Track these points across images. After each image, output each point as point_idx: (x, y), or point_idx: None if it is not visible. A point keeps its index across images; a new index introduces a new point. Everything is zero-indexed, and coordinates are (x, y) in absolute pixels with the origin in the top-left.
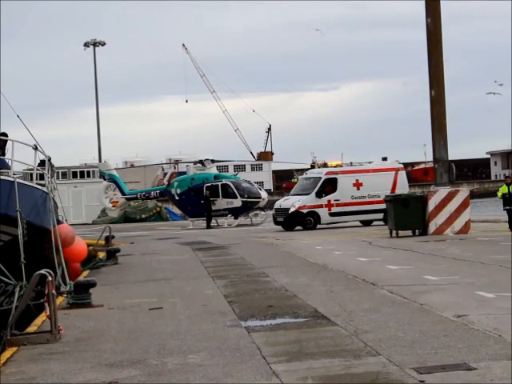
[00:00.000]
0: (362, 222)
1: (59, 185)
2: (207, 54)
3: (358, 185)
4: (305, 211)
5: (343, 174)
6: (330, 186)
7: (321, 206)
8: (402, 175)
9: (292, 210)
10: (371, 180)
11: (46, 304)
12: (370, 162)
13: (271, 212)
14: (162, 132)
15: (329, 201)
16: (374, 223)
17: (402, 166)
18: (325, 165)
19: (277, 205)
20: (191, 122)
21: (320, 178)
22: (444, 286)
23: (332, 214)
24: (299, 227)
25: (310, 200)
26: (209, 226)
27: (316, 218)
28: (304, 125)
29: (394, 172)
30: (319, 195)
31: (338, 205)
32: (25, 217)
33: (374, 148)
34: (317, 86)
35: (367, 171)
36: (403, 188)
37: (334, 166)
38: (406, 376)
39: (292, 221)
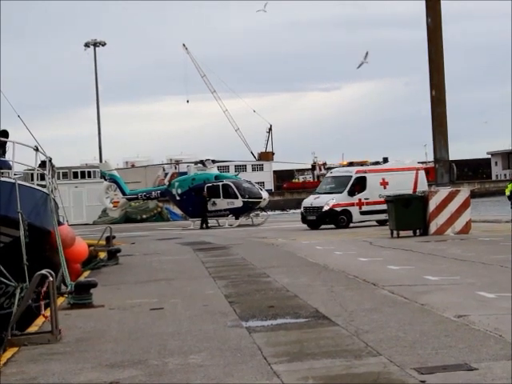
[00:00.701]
0: (378, 221)
1: (60, 185)
2: (208, 54)
3: (384, 184)
4: (338, 209)
5: (371, 172)
6: (359, 184)
7: (352, 205)
8: (422, 174)
9: (326, 208)
10: (396, 179)
11: (42, 303)
12: (380, 162)
13: (296, 212)
14: (162, 132)
15: (359, 199)
16: (373, 223)
17: (421, 165)
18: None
19: (306, 203)
20: (192, 122)
21: (351, 176)
22: (445, 286)
23: (362, 213)
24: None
25: (342, 198)
26: (205, 227)
27: (348, 216)
28: (305, 125)
29: (415, 171)
30: (351, 194)
31: (367, 203)
32: (26, 218)
33: (375, 148)
34: (319, 85)
35: (392, 170)
36: (423, 187)
37: (361, 165)
38: (407, 376)
39: (325, 219)
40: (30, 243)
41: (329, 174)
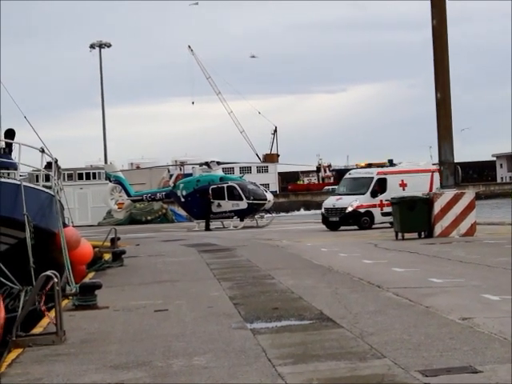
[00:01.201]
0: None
1: (65, 186)
2: (213, 56)
3: (403, 185)
4: (362, 211)
5: (391, 174)
6: (380, 186)
7: (374, 206)
8: (436, 176)
9: (350, 209)
10: (413, 181)
11: (42, 301)
12: (395, 163)
13: (319, 212)
14: (167, 134)
15: (381, 201)
16: (379, 226)
17: (436, 167)
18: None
19: (328, 204)
20: (197, 124)
21: (372, 177)
22: (449, 288)
23: (384, 214)
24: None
25: (365, 200)
26: (208, 228)
27: (371, 217)
28: (310, 127)
29: (430, 173)
30: (373, 195)
31: (388, 205)
32: (31, 220)
33: (380, 150)
34: (324, 87)
35: (410, 172)
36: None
37: (381, 166)
38: (412, 379)
39: (349, 220)
40: (35, 245)
41: (348, 176)
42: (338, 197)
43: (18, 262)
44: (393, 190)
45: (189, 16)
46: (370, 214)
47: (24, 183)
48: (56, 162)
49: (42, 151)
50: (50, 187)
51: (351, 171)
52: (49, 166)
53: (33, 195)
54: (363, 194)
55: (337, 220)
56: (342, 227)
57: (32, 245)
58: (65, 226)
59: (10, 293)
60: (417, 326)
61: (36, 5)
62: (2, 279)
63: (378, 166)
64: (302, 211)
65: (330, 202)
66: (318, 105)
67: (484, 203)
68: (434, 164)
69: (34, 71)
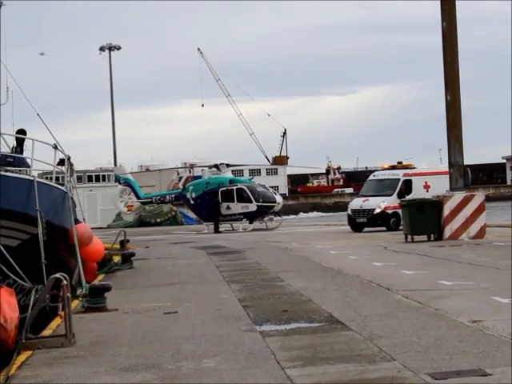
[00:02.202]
0: None
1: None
2: (222, 58)
3: (426, 187)
4: (390, 212)
5: (415, 176)
6: (405, 187)
7: (390, 208)
8: None
9: (378, 210)
10: (435, 183)
11: (60, 305)
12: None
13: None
14: (177, 136)
15: None
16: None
17: None
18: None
19: (355, 206)
20: (207, 126)
21: (398, 179)
22: (459, 291)
23: None
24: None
25: (393, 201)
26: (217, 231)
27: (398, 218)
28: (319, 129)
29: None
30: (400, 196)
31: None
32: (44, 216)
33: (390, 152)
34: (334, 89)
35: (432, 174)
36: None
37: (405, 168)
38: (421, 381)
39: (377, 221)
40: (47, 241)
41: (373, 178)
42: (365, 198)
43: (30, 257)
44: (417, 192)
45: (199, 18)
46: (397, 215)
47: (37, 179)
48: (69, 159)
49: (55, 147)
50: (62, 184)
51: (375, 173)
52: (61, 163)
53: (46, 191)
54: (390, 195)
55: (364, 221)
56: (368, 228)
57: (44, 241)
58: (77, 222)
59: (21, 289)
60: (426, 329)
61: (45, 6)
62: (13, 276)
63: (401, 168)
64: (309, 213)
65: (357, 203)
66: (327, 107)
67: (493, 205)
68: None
69: (44, 74)
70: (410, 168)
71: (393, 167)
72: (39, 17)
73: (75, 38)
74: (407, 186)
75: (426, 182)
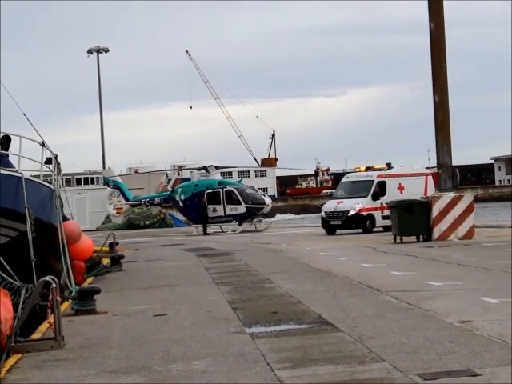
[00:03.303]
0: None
1: (62, 191)
2: (211, 60)
3: (400, 188)
4: (364, 214)
5: (389, 177)
6: (380, 189)
7: (376, 209)
8: (431, 180)
9: (352, 212)
10: (409, 184)
11: (49, 310)
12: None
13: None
14: (166, 138)
15: (381, 204)
16: (379, 229)
17: (429, 171)
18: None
19: (329, 208)
20: (195, 129)
21: (372, 181)
22: (448, 291)
23: (384, 217)
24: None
25: (367, 203)
26: (205, 233)
27: (372, 220)
28: (308, 131)
29: (424, 177)
30: (374, 198)
31: (388, 208)
32: (32, 213)
33: (378, 153)
34: (324, 91)
35: (406, 175)
36: (432, 193)
37: (379, 169)
38: (411, 382)
39: (351, 223)
40: (36, 238)
41: (346, 179)
42: (339, 200)
43: (19, 255)
44: (391, 194)
45: (187, 20)
46: (371, 217)
47: (25, 176)
48: (56, 157)
49: (43, 145)
50: (50, 182)
51: (349, 175)
52: (49, 162)
53: (34, 188)
54: (364, 197)
55: (339, 223)
56: (342, 231)
57: (33, 238)
58: (66, 219)
59: (10, 287)
60: (416, 330)
61: (35, 8)
62: (3, 274)
63: (375, 170)
64: (290, 215)
65: (331, 205)
66: (317, 108)
67: (482, 206)
68: (427, 168)
69: (33, 76)
70: (385, 169)
71: (367, 169)
72: (29, 18)
73: (64, 39)
74: (381, 187)
75: (399, 184)
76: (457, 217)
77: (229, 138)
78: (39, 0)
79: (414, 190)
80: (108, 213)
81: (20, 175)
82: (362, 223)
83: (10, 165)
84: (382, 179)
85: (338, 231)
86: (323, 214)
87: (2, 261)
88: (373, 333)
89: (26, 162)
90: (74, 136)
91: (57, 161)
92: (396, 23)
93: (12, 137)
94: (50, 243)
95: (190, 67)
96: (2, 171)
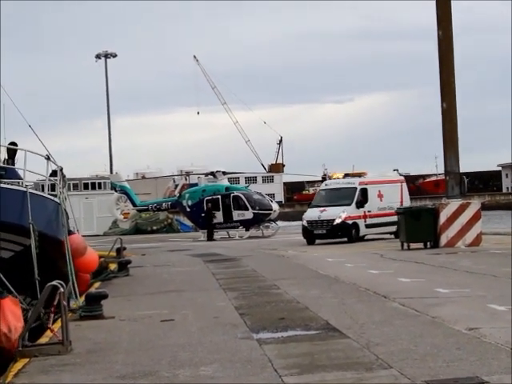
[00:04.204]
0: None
1: (70, 196)
2: (219, 66)
3: (380, 196)
4: (350, 222)
5: (370, 184)
6: (362, 196)
7: (359, 218)
8: (405, 187)
9: (338, 221)
10: (387, 191)
11: (51, 316)
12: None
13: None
14: (173, 143)
15: (365, 212)
16: (386, 236)
17: (402, 178)
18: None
19: (312, 217)
20: (203, 134)
21: (355, 188)
22: (456, 298)
23: (367, 226)
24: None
25: (352, 211)
26: (210, 239)
27: (357, 229)
28: (316, 137)
29: (400, 184)
30: (358, 206)
31: (370, 216)
32: (37, 227)
33: (386, 160)
34: (332, 97)
35: (384, 182)
36: (407, 200)
37: (359, 176)
38: None
39: (337, 232)
40: (41, 253)
41: (326, 187)
42: (321, 208)
43: (23, 269)
44: (373, 201)
45: (195, 26)
46: (356, 226)
47: (30, 190)
48: (61, 170)
49: (48, 158)
50: (55, 195)
51: (327, 182)
52: (54, 174)
53: (39, 203)
54: (348, 204)
55: (323, 232)
56: (321, 240)
57: (37, 253)
58: (71, 233)
59: None
60: (423, 336)
61: (41, 13)
62: (11, 288)
63: (354, 177)
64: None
65: (313, 214)
66: (324, 114)
67: (489, 214)
68: (400, 175)
69: (40, 82)
70: (364, 176)
71: (346, 175)
72: (35, 23)
73: (71, 44)
74: (363, 194)
75: (379, 191)
76: (464, 224)
77: (236, 144)
78: (47, 0)
79: (392, 198)
80: (115, 218)
81: (25, 189)
82: (347, 232)
83: (16, 174)
84: (364, 186)
85: (318, 240)
86: (304, 222)
87: (1, 276)
88: (380, 339)
89: (31, 170)
90: (81, 141)
91: (62, 173)
92: (405, 29)
93: (17, 153)
94: (56, 257)
95: (197, 72)
96: (8, 186)
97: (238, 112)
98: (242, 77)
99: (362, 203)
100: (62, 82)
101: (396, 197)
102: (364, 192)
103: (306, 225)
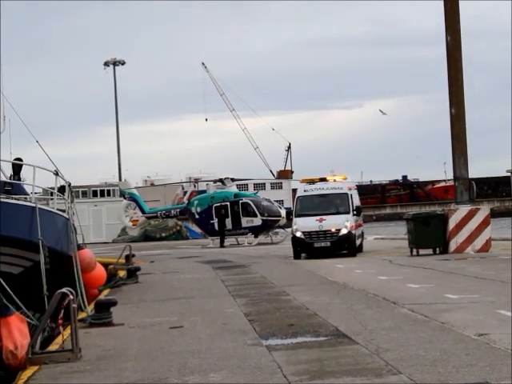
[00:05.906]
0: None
1: (79, 203)
2: (228, 72)
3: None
4: (354, 233)
5: (353, 189)
6: (353, 203)
7: (356, 227)
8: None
9: (344, 231)
10: (355, 197)
11: (61, 321)
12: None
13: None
14: (182, 150)
15: (357, 221)
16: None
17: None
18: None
19: (310, 227)
20: (211, 141)
21: (346, 193)
22: (465, 304)
23: (358, 237)
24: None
25: (352, 219)
26: (222, 245)
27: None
28: (324, 143)
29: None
30: (355, 214)
31: (357, 226)
32: (46, 243)
33: (394, 166)
34: (340, 103)
35: (354, 188)
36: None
37: (334, 181)
38: None
39: (344, 245)
40: (51, 268)
41: (306, 193)
42: (318, 217)
43: (32, 285)
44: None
45: (203, 33)
46: (356, 237)
47: (39, 206)
48: (69, 185)
49: (56, 174)
50: (63, 210)
51: (305, 187)
52: (62, 188)
53: (48, 218)
54: (346, 212)
55: (327, 245)
56: (321, 253)
57: (47, 269)
58: (80, 248)
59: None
60: (432, 342)
61: (49, 22)
62: (19, 303)
63: (335, 181)
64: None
65: (312, 224)
66: (333, 121)
67: (498, 219)
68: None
69: (48, 89)
70: (346, 180)
71: (322, 179)
72: (42, 31)
73: (80, 52)
74: (352, 201)
75: (356, 197)
76: (473, 229)
77: (244, 151)
78: None
79: (355, 203)
80: (124, 225)
81: (34, 205)
82: (353, 244)
83: (22, 189)
84: (351, 191)
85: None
86: (299, 234)
87: (9, 291)
88: (390, 345)
89: (37, 183)
90: (90, 148)
91: (70, 189)
92: (413, 35)
93: (26, 166)
94: (65, 273)
95: (205, 79)
96: (17, 202)
97: (246, 119)
98: (250, 83)
99: (358, 211)
100: (71, 89)
101: (357, 202)
102: (352, 198)
103: (303, 237)
